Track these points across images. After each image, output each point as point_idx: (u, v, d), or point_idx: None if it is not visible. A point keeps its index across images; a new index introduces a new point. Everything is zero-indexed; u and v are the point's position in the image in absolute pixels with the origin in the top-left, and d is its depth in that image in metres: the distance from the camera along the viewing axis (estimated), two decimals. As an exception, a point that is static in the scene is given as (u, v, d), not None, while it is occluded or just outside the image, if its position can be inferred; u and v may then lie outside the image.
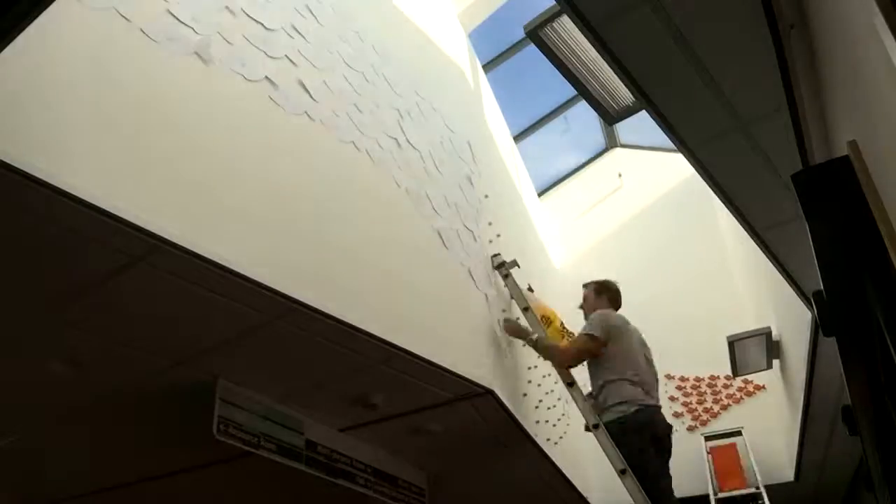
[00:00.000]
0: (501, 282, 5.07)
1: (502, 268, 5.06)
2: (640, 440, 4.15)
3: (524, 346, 4.90)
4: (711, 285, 7.01)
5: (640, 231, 7.93)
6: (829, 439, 5.19)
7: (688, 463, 6.22)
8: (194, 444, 3.80)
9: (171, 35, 2.84)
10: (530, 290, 5.38)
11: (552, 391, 5.59)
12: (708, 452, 6.18)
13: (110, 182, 2.43)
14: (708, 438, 6.31)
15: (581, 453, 6.07)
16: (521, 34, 6.01)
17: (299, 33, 3.63)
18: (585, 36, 2.38)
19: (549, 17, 5.04)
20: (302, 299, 3.02)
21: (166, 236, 2.54)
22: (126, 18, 2.66)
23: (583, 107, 7.02)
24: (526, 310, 4.92)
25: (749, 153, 2.82)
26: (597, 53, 2.50)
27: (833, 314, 1.85)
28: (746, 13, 2.22)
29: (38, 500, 4.79)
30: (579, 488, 5.75)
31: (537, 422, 5.06)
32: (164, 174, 2.64)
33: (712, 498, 5.83)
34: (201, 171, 2.80)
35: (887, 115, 1.51)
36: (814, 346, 4.02)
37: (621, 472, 4.04)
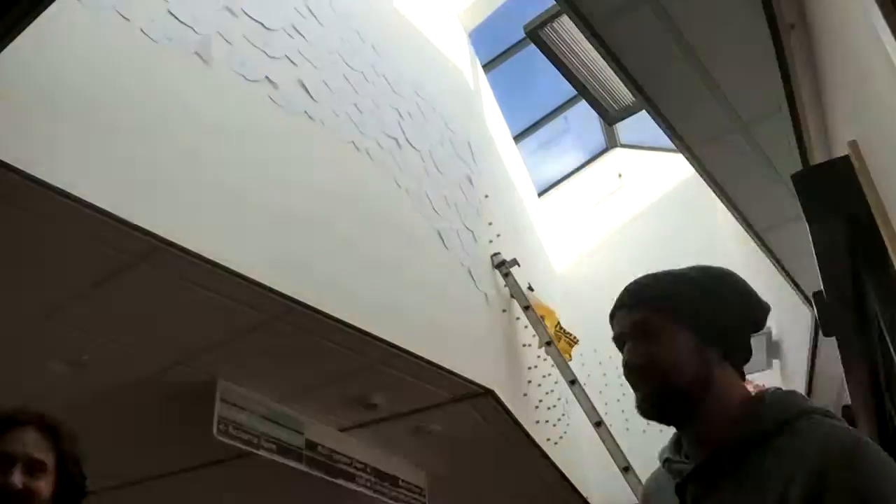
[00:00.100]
0: (502, 281, 5.07)
1: (502, 267, 5.06)
2: None
3: (526, 345, 4.90)
4: (711, 285, 7.00)
5: (639, 231, 7.92)
6: (829, 439, 5.18)
7: (688, 463, 6.21)
8: (194, 444, 3.80)
9: (171, 35, 2.84)
10: (530, 289, 5.38)
11: (552, 391, 5.58)
12: (708, 452, 6.17)
13: (110, 182, 2.43)
14: (708, 438, 6.29)
15: (581, 453, 6.07)
16: (521, 34, 5.99)
17: (299, 33, 3.63)
18: (585, 36, 2.38)
19: (549, 17, 5.03)
20: (301, 299, 3.02)
21: (166, 236, 2.54)
22: (125, 18, 2.66)
23: (583, 107, 7.00)
24: (526, 308, 4.92)
25: (749, 153, 2.82)
26: (597, 53, 2.50)
27: (833, 314, 1.85)
28: (746, 13, 2.22)
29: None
30: (579, 488, 5.74)
31: (537, 422, 5.05)
32: (164, 174, 2.64)
33: (712, 498, 5.81)
34: (201, 171, 2.80)
35: (887, 115, 1.51)
36: (814, 346, 4.01)
37: (624, 470, 4.04)
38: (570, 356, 5.34)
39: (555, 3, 3.93)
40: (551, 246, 8.14)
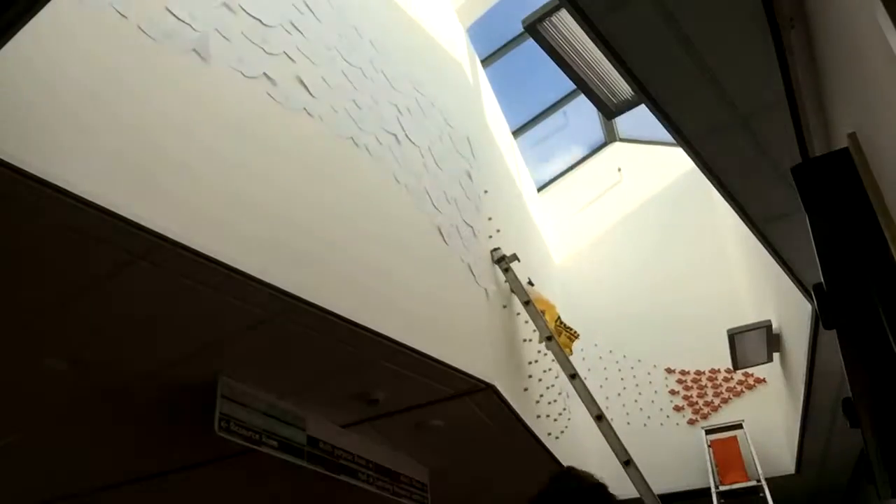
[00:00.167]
0: (502, 276, 5.08)
1: (502, 262, 5.06)
2: None
3: (526, 341, 4.91)
4: (711, 279, 7.02)
5: (639, 225, 7.93)
6: (829, 432, 5.20)
7: (689, 456, 6.24)
8: (196, 441, 3.81)
9: (169, 32, 2.83)
10: (530, 283, 5.39)
11: (553, 386, 5.59)
12: (709, 446, 6.20)
13: (109, 180, 2.43)
14: (709, 432, 6.32)
15: (582, 447, 6.08)
16: (519, 29, 5.98)
17: (297, 29, 3.63)
18: (584, 30, 2.37)
19: (548, 12, 5.02)
20: (302, 296, 3.02)
21: (166, 234, 2.54)
22: (123, 16, 2.66)
23: (582, 101, 7.01)
24: (527, 303, 4.93)
25: (748, 146, 2.82)
26: (595, 48, 2.50)
27: (833, 306, 1.85)
28: (746, 6, 2.22)
29: (39, 498, 4.80)
30: (581, 482, 5.75)
31: (538, 417, 5.07)
32: (163, 172, 2.64)
33: (713, 491, 5.84)
34: (200, 168, 2.80)
35: (887, 107, 1.51)
36: (814, 338, 4.02)
37: (625, 463, 4.06)
38: (571, 350, 5.35)
39: (553, -3, 3.92)
40: (551, 241, 8.15)
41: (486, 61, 7.28)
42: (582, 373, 4.68)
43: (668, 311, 6.95)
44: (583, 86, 5.21)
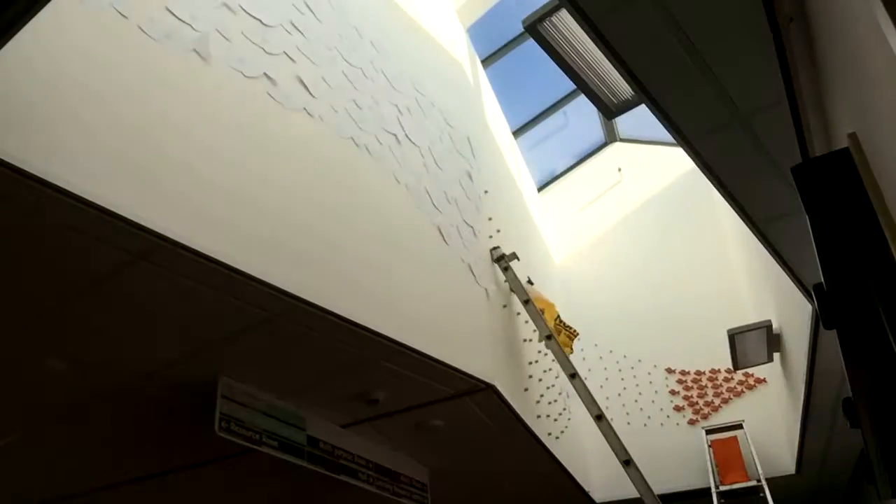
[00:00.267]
0: (502, 276, 5.08)
1: (502, 261, 5.06)
2: None
3: (526, 341, 4.91)
4: (712, 279, 7.02)
5: (639, 225, 7.94)
6: (830, 432, 5.20)
7: (689, 456, 6.24)
8: (196, 441, 3.82)
9: (169, 32, 2.83)
10: (530, 282, 5.39)
11: (553, 386, 5.59)
12: (709, 446, 6.20)
13: (109, 180, 2.43)
14: (709, 432, 6.32)
15: (582, 447, 6.09)
16: (519, 29, 5.99)
17: (297, 30, 3.63)
18: (584, 30, 2.37)
19: (548, 12, 5.03)
20: (302, 296, 3.02)
21: (166, 234, 2.54)
22: (123, 16, 2.66)
23: (582, 101, 7.01)
24: (526, 302, 4.93)
25: (749, 146, 2.81)
26: (595, 48, 2.50)
27: (834, 306, 1.85)
28: (746, 5, 2.22)
29: (39, 498, 4.80)
30: (580, 482, 5.76)
31: (539, 417, 5.07)
32: (163, 172, 2.64)
33: (713, 491, 5.84)
34: (201, 168, 2.80)
35: (887, 107, 1.51)
36: (814, 338, 4.02)
37: (625, 463, 4.06)
38: (571, 349, 5.35)
39: (553, -3, 3.92)
40: (551, 241, 8.15)
41: (486, 61, 7.29)
42: (582, 373, 4.69)
43: (669, 311, 6.95)
44: (583, 86, 5.21)
